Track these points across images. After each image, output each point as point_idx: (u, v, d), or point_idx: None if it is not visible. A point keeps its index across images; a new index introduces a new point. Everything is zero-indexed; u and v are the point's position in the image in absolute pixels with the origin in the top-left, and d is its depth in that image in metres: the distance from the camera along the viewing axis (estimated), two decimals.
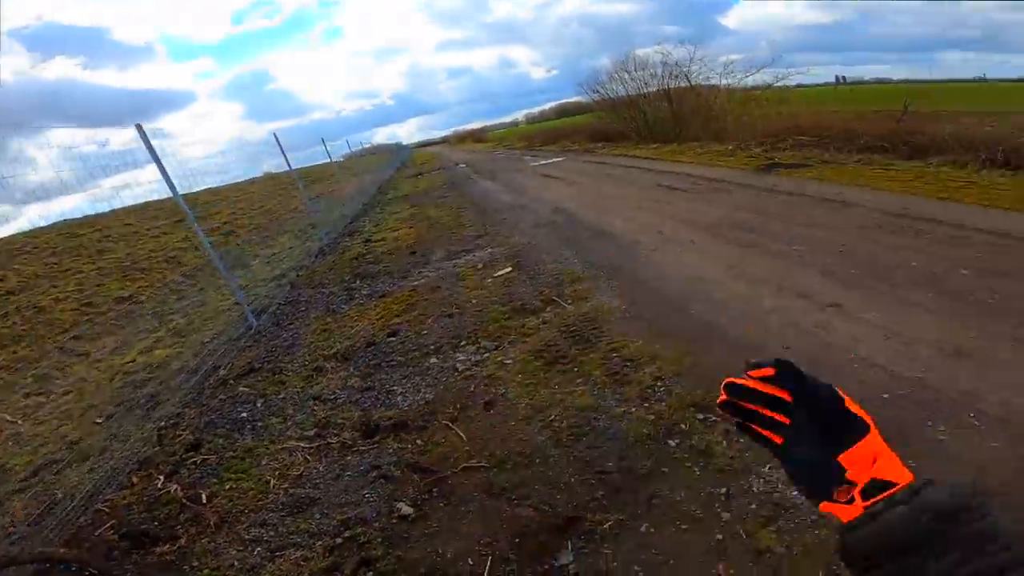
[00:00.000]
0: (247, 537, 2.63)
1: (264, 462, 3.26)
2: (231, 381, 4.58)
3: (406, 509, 2.73)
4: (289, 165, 10.71)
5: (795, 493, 2.58)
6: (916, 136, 10.23)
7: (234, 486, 3.05)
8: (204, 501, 2.94)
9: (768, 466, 2.77)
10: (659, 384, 3.65)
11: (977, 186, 7.57)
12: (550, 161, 20.49)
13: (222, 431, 3.70)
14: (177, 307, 7.83)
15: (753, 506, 2.54)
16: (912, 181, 8.41)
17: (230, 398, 4.25)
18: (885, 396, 3.23)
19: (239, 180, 18.39)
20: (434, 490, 2.90)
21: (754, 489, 2.65)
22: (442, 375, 4.25)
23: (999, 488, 2.43)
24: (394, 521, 2.66)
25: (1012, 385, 3.14)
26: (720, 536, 2.41)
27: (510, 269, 6.78)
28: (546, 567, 2.37)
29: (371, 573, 2.36)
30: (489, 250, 7.92)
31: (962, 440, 2.85)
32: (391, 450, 3.29)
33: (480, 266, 7.17)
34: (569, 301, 5.27)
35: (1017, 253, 4.95)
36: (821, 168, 10.56)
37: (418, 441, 3.37)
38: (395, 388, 4.14)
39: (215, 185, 15.25)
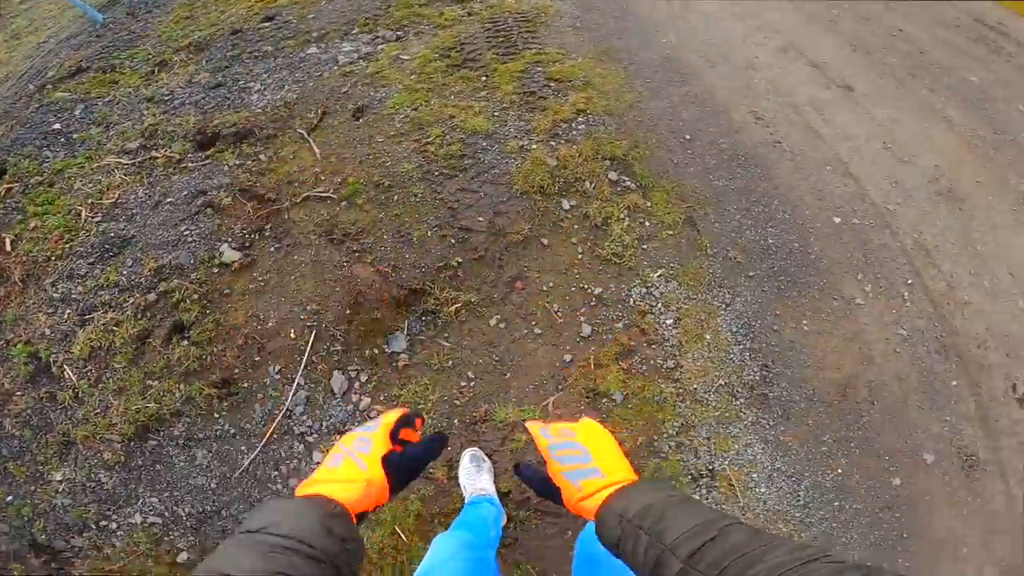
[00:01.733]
0: (55, 296, 2.26)
1: (76, 187, 2.64)
2: (49, 86, 3.47)
3: (230, 255, 2.32)
4: None
5: (669, 324, 2.20)
6: None
7: (40, 224, 2.50)
8: (8, 248, 2.47)
9: (659, 273, 2.30)
10: (579, 120, 2.80)
11: None
12: None
13: (30, 149, 2.92)
14: (22, 8, 5.67)
15: (619, 326, 2.18)
16: None
17: (44, 106, 3.28)
18: (836, 221, 2.54)
19: None
20: (267, 228, 2.42)
21: (630, 300, 2.24)
22: (316, 69, 3.21)
23: None
24: (215, 271, 2.28)
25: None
26: (569, 358, 2.12)
27: None
28: (376, 351, 2.15)
29: (185, 342, 2.13)
30: None
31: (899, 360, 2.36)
32: (226, 168, 2.64)
33: None
34: None
35: None
36: None
37: (261, 156, 2.69)
38: (252, 84, 3.15)
39: None
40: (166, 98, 3.12)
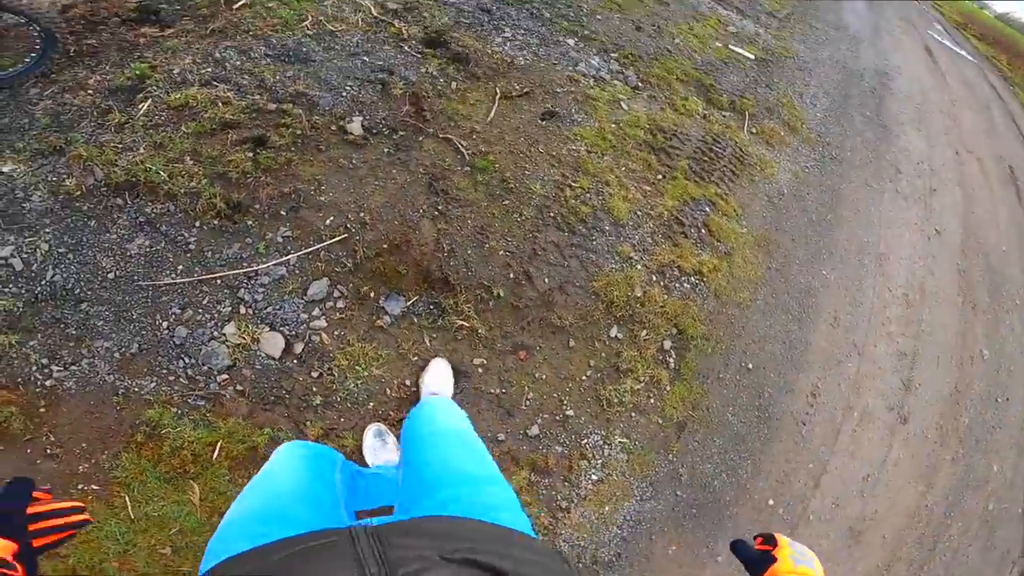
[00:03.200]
0: (215, 54, 2.33)
1: (322, 2, 2.82)
2: None
3: (355, 127, 2.39)
4: None
5: (592, 478, 2.12)
6: None
7: (274, 6, 2.73)
8: (235, 7, 2.65)
9: (622, 441, 2.22)
10: (691, 278, 2.72)
11: None
12: None
13: None
14: None
15: (558, 448, 2.12)
16: None
17: None
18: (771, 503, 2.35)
19: None
20: (399, 132, 2.47)
21: (584, 439, 2.18)
22: (558, 58, 3.31)
23: None
24: (332, 128, 2.37)
25: None
26: (503, 438, 2.09)
27: None
28: (371, 294, 2.21)
29: (250, 153, 2.23)
30: None
31: None
32: (423, 71, 2.71)
33: None
34: None
35: None
36: None
37: (454, 84, 2.74)
38: (505, 30, 3.27)
39: None
40: None
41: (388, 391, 2.07)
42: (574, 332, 2.38)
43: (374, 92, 2.62)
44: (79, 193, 2.02)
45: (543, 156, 2.79)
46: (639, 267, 2.63)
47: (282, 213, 2.20)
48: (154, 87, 2.34)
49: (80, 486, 1.79)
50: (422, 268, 2.25)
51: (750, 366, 2.66)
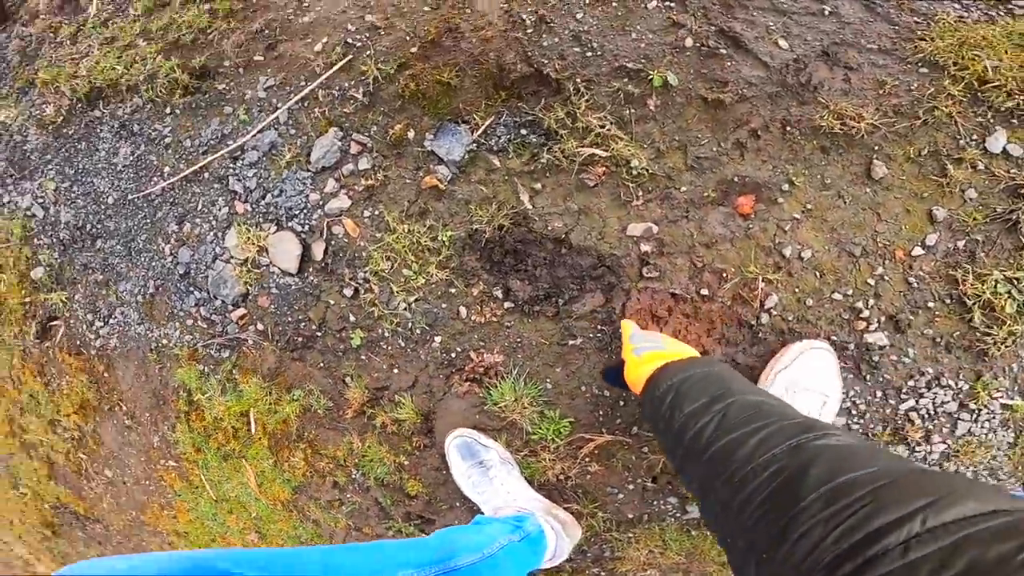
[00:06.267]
0: None
1: None
2: None
3: None
4: None
5: None
6: None
7: None
8: None
9: None
10: None
11: None
12: None
13: None
14: None
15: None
16: None
17: None
18: None
19: None
20: None
21: None
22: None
23: None
24: None
25: None
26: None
27: None
28: (410, 134, 1.11)
29: (205, 4, 1.30)
30: None
31: None
32: None
33: None
34: None
35: None
36: None
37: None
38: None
39: None
40: None
41: (463, 311, 1.06)
42: (887, 143, 0.81)
43: None
44: (61, 119, 1.58)
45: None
46: None
47: (257, 59, 1.29)
48: None
49: (162, 462, 1.48)
50: (489, 65, 1.03)
51: None
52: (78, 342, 1.51)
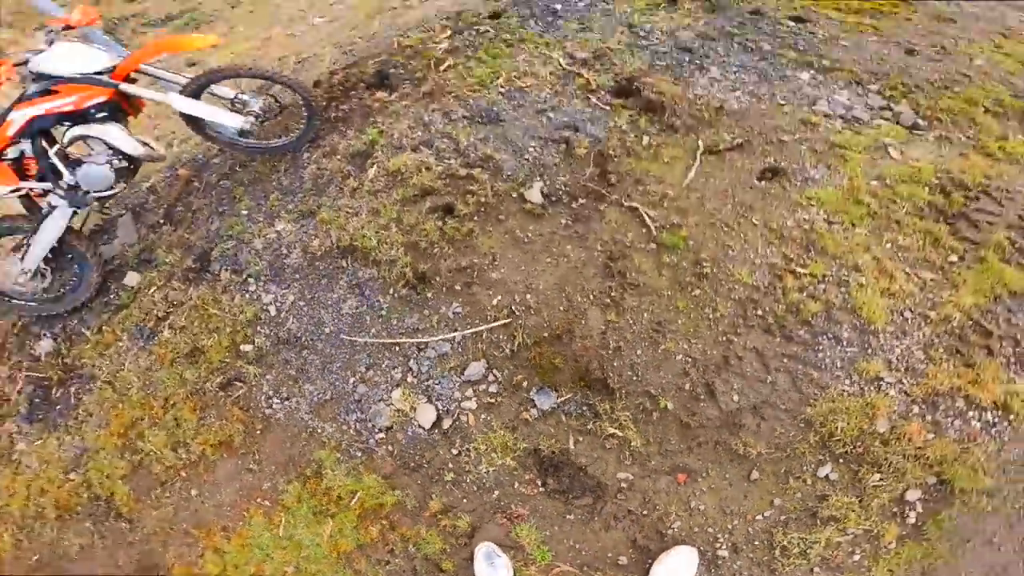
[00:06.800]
0: (425, 118, 2.60)
1: (517, 58, 2.87)
2: None
3: (535, 195, 2.37)
4: None
5: None
6: None
7: (473, 66, 2.84)
8: (441, 70, 2.83)
9: None
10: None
11: None
12: None
13: (522, 13, 3.28)
14: None
15: None
16: None
17: None
18: None
19: None
20: (580, 200, 2.37)
21: None
22: (785, 94, 2.70)
23: None
24: (513, 196, 2.37)
25: None
26: None
27: None
28: None
29: (439, 222, 2.29)
30: None
31: None
32: (611, 124, 2.55)
33: None
34: None
35: None
36: None
37: (645, 138, 2.51)
38: (712, 68, 2.76)
39: None
40: (643, 32, 3.05)
41: (516, 484, 1.91)
42: (762, 464, 1.81)
43: (557, 152, 2.52)
44: (320, 253, 2.36)
45: (756, 230, 2.25)
46: (892, 392, 1.86)
47: (457, 288, 2.23)
48: (379, 152, 2.58)
49: (258, 500, 2.12)
50: (581, 364, 2.03)
51: None
52: (251, 404, 2.25)
